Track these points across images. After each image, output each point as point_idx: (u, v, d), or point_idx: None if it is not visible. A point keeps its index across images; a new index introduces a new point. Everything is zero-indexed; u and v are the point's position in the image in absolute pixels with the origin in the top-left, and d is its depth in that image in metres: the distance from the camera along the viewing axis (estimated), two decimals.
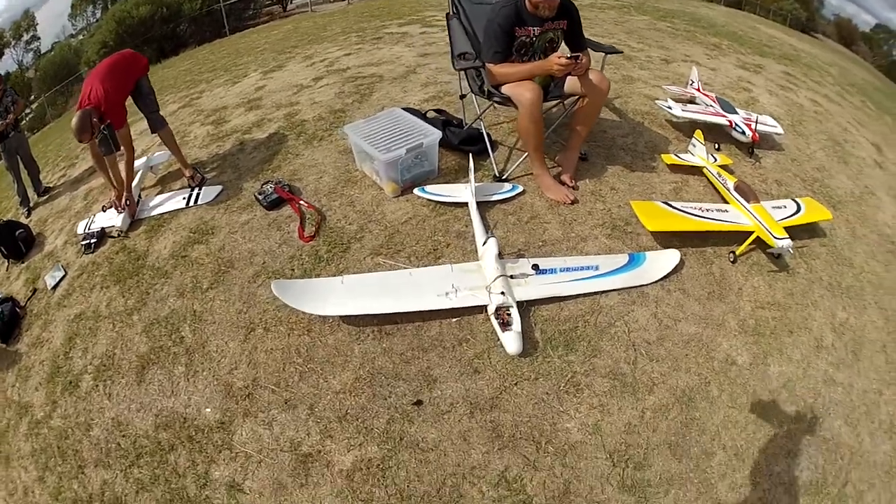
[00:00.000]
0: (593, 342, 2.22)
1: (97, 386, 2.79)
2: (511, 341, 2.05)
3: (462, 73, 3.26)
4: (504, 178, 3.11)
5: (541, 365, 2.17)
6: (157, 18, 16.25)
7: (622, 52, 3.97)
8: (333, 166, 3.68)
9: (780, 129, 3.96)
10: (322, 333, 2.48)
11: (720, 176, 3.09)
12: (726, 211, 2.75)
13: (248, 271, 2.97)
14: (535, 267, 2.33)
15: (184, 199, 3.79)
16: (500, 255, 2.36)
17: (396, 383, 2.24)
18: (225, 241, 3.27)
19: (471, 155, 3.04)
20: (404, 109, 3.65)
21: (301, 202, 3.31)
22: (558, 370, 2.16)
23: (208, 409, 2.43)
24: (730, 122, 3.78)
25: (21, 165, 5.53)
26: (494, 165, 3.17)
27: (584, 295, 2.32)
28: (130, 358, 2.82)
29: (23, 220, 5.26)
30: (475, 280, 2.28)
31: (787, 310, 2.49)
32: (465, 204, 2.82)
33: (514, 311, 2.13)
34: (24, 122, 6.05)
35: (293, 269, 2.89)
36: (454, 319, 2.33)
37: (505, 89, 2.81)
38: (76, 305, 3.38)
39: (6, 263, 4.50)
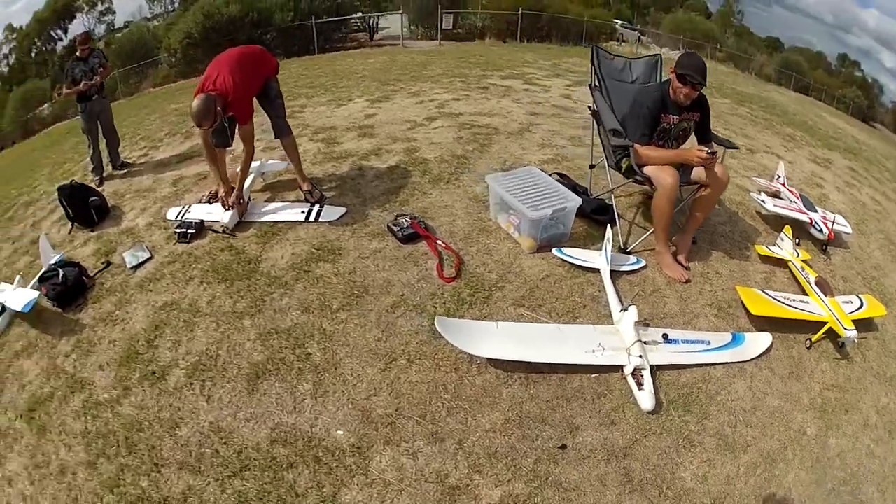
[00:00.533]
0: (704, 406, 2.57)
1: (191, 384, 2.73)
2: (646, 400, 2.37)
3: (599, 144, 3.62)
4: (628, 250, 3.34)
5: (664, 422, 2.49)
6: (246, 21, 16.47)
7: (738, 147, 4.26)
8: (465, 212, 3.76)
9: (849, 229, 4.28)
10: (469, 373, 2.60)
11: (803, 270, 3.46)
12: (807, 302, 3.14)
13: (386, 300, 3.02)
14: (665, 336, 2.63)
15: (302, 212, 3.81)
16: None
17: (543, 427, 2.43)
18: (355, 265, 3.32)
19: (609, 226, 3.21)
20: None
21: (438, 241, 3.36)
22: (677, 427, 2.48)
23: (340, 432, 2.44)
24: (810, 219, 4.10)
25: (100, 133, 5.46)
26: (620, 237, 3.41)
27: (698, 365, 2.68)
28: (240, 363, 2.78)
29: (94, 186, 5.15)
30: (615, 342, 2.56)
31: (845, 392, 2.88)
32: (598, 270, 3.05)
33: (647, 373, 2.44)
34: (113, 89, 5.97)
35: (435, 307, 2.95)
36: (594, 375, 2.58)
37: (648, 170, 3.04)
38: (165, 293, 3.34)
39: (71, 226, 4.44)
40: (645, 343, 2.53)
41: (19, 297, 3.38)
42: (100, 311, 3.32)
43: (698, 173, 3.15)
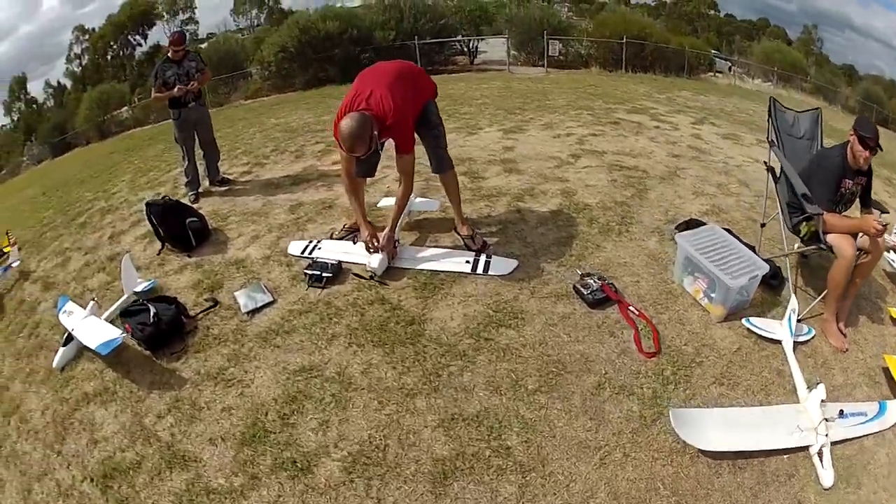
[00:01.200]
0: (859, 477, 2.34)
1: (352, 482, 2.19)
2: (828, 477, 2.25)
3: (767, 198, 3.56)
4: (799, 318, 3.02)
5: (840, 496, 2.25)
6: (345, 38, 15.84)
7: (888, 212, 3.73)
8: (646, 271, 3.34)
9: None
10: (683, 464, 2.27)
11: None
12: None
13: (588, 379, 2.59)
14: (841, 412, 2.49)
15: (467, 262, 3.27)
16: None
17: None
18: (545, 334, 2.82)
19: (794, 295, 3.01)
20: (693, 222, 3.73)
21: (631, 308, 2.98)
22: (850, 501, 2.25)
23: None
24: None
25: (197, 143, 4.94)
26: (793, 300, 3.04)
27: (858, 438, 2.47)
28: (419, 458, 2.26)
29: (188, 203, 4.73)
30: (805, 421, 2.43)
31: None
32: (779, 341, 2.83)
33: (827, 450, 2.32)
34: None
35: (642, 388, 2.56)
36: (786, 457, 2.35)
37: (830, 238, 2.93)
38: (300, 353, 2.82)
39: (161, 246, 3.97)
40: (826, 420, 2.41)
41: (95, 331, 2.92)
42: (207, 365, 2.83)
43: (863, 241, 3.03)
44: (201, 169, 5.08)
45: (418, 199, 4.00)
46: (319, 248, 3.60)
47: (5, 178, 20.56)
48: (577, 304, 3.02)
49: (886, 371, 2.78)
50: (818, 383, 2.53)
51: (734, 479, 2.25)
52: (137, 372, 2.87)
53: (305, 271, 3.31)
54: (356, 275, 3.27)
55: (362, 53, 15.16)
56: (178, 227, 3.91)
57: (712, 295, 2.94)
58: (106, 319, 3.17)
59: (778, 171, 3.37)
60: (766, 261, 3.17)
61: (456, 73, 14.61)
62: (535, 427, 2.35)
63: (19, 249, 4.97)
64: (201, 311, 3.17)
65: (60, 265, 4.55)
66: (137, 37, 25.28)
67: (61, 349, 3.06)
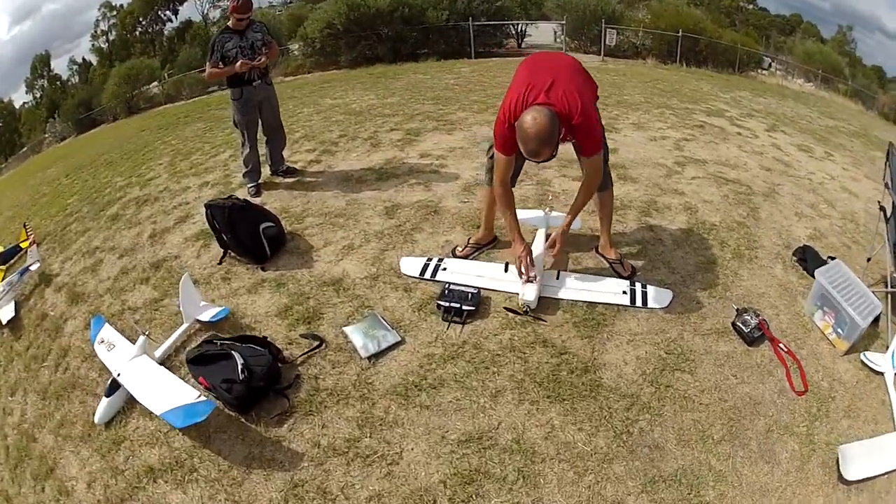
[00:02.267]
0: None
1: None
2: None
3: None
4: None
5: None
6: (396, 16, 15.31)
7: None
8: (781, 302, 3.31)
9: None
10: (839, 497, 2.29)
11: None
12: None
13: (759, 423, 2.53)
14: None
15: (625, 293, 3.06)
16: None
17: None
18: (716, 377, 2.72)
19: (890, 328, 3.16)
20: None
21: (781, 345, 2.96)
22: None
23: None
24: None
25: (261, 127, 4.41)
26: (890, 335, 3.17)
27: None
28: None
29: (248, 197, 4.22)
30: None
31: None
32: (882, 374, 2.96)
33: None
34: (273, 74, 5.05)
35: (798, 426, 2.56)
36: None
37: None
38: (458, 415, 2.41)
39: (223, 254, 3.44)
40: None
41: (159, 387, 2.30)
42: (328, 434, 2.34)
43: None
44: (263, 158, 4.65)
45: (555, 214, 3.66)
46: (444, 270, 3.20)
47: (26, 156, 19.98)
48: (736, 341, 2.96)
49: None
50: None
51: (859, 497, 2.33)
52: (222, 439, 2.33)
53: (439, 302, 2.91)
54: (508, 309, 2.92)
55: (411, 32, 14.93)
56: (250, 236, 3.35)
57: (839, 330, 3.05)
58: (163, 359, 2.58)
59: (889, 211, 3.61)
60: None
61: (506, 57, 14.27)
62: (726, 478, 2.29)
63: (38, 246, 4.35)
64: (302, 355, 2.64)
65: (90, 270, 3.99)
66: (168, 12, 24.74)
67: (104, 400, 2.46)
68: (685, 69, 14.94)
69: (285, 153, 4.86)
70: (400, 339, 2.76)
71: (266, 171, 4.69)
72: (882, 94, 23.08)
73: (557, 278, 3.14)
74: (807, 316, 3.27)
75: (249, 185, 4.50)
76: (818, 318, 3.21)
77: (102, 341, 2.75)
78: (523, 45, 17.69)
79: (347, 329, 2.80)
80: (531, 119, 2.34)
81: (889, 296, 3.42)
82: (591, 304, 3.02)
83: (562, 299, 3.03)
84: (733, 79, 14.83)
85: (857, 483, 2.33)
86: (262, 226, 3.43)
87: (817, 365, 2.96)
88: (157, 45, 23.62)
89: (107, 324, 2.91)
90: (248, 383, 2.29)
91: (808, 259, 3.68)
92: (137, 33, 24.45)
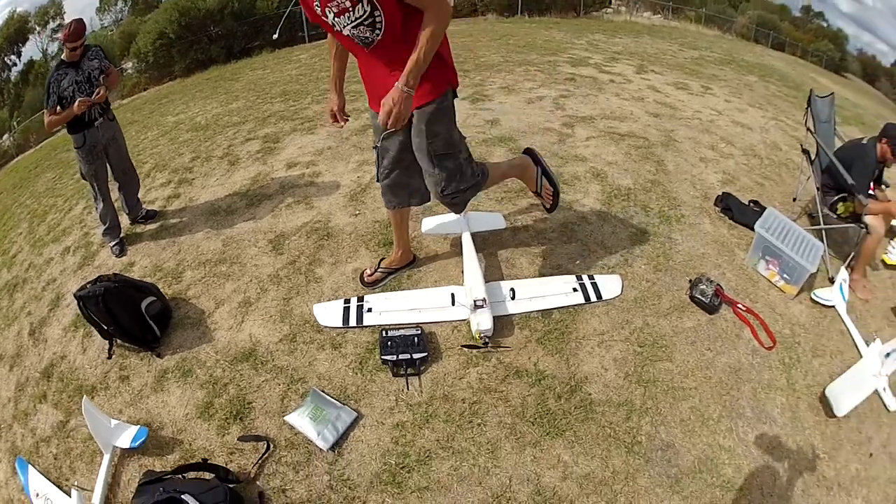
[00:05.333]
0: None
1: None
2: (893, 403, 2.96)
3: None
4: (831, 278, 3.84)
5: None
6: (226, 13, 16.26)
7: (890, 186, 4.67)
8: (722, 259, 3.71)
9: None
10: (828, 432, 2.80)
11: None
12: None
13: (745, 389, 2.84)
14: (887, 354, 3.05)
15: (575, 290, 3.17)
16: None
17: None
18: (693, 356, 2.95)
19: (843, 267, 3.80)
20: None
21: (740, 305, 3.31)
22: None
23: None
24: None
25: (110, 174, 4.11)
26: (829, 268, 3.85)
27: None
28: None
29: (113, 260, 4.06)
30: (872, 368, 3.04)
31: None
32: (833, 307, 3.51)
33: (887, 386, 2.96)
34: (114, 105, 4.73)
35: (778, 380, 2.95)
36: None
37: (868, 219, 3.76)
38: (465, 486, 2.37)
39: (109, 347, 3.23)
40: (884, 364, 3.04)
41: None
42: None
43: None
44: (118, 204, 4.27)
45: (473, 213, 3.63)
46: (370, 311, 3.06)
47: None
48: (698, 313, 3.21)
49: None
50: (875, 339, 3.22)
51: (847, 424, 2.82)
52: None
53: (384, 358, 2.75)
54: (468, 346, 2.85)
55: (242, 27, 15.53)
56: (133, 321, 3.09)
57: (785, 276, 3.48)
58: None
59: (812, 154, 4.26)
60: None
61: None
62: (736, 451, 2.57)
63: None
64: (254, 466, 2.44)
65: None
66: (13, 56, 24.15)
67: None
68: (529, 20, 15.93)
69: (140, 194, 4.51)
70: (356, 414, 2.60)
71: (125, 220, 4.36)
72: (738, 15, 26.34)
73: (498, 292, 3.11)
74: (750, 267, 3.64)
75: (112, 245, 4.15)
76: (762, 267, 3.62)
77: (38, 495, 2.62)
78: None
79: (291, 418, 2.59)
80: None
81: (824, 233, 3.94)
82: (546, 312, 3.06)
83: (512, 314, 3.03)
84: (581, 22, 16.13)
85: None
86: (144, 304, 3.15)
87: (774, 315, 3.32)
88: (4, 95, 23.39)
89: (31, 468, 2.77)
90: None
91: (732, 207, 4.10)
92: None
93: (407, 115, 2.26)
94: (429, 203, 3.65)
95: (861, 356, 3.20)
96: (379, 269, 3.31)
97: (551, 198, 3.12)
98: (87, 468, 2.69)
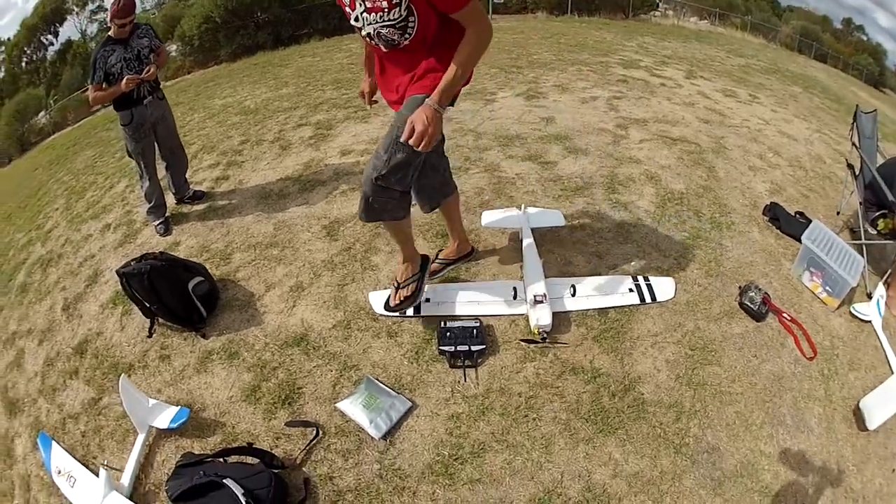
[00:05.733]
0: None
1: None
2: None
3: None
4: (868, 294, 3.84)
5: None
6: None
7: None
8: (768, 268, 3.76)
9: None
10: (859, 445, 2.81)
11: None
12: None
13: (787, 398, 2.90)
14: None
15: (631, 290, 3.25)
16: None
17: None
18: (740, 361, 3.02)
19: (881, 283, 3.76)
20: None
21: (785, 315, 3.37)
22: None
23: None
24: None
25: (157, 151, 4.14)
26: (867, 284, 3.82)
27: None
28: None
29: (156, 239, 4.05)
30: None
31: None
32: (870, 322, 3.51)
33: None
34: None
35: (818, 391, 2.99)
36: None
37: None
38: (517, 480, 2.40)
39: (151, 325, 3.21)
40: None
41: None
42: None
43: None
44: (164, 183, 4.32)
45: (532, 210, 3.69)
46: (427, 301, 3.05)
47: None
48: (746, 320, 3.28)
49: None
50: None
51: (876, 439, 2.86)
52: None
53: (441, 348, 2.76)
54: (526, 341, 2.89)
55: (290, 14, 15.77)
56: (179, 300, 3.07)
57: (828, 288, 3.55)
58: (132, 488, 2.39)
59: (857, 169, 4.29)
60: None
61: None
62: (775, 457, 2.62)
63: None
64: (301, 452, 2.42)
65: (15, 365, 3.63)
66: (49, 36, 25.08)
67: None
68: (578, 19, 16.05)
69: (188, 174, 4.59)
70: (410, 403, 2.61)
71: (170, 199, 4.42)
72: (783, 25, 25.95)
73: (555, 288, 3.17)
74: (795, 278, 3.71)
75: (157, 224, 4.21)
76: (806, 279, 3.69)
77: (60, 472, 2.54)
78: None
79: (343, 405, 2.60)
80: None
81: (864, 247, 3.97)
82: (603, 311, 3.13)
83: (569, 311, 3.13)
84: (630, 24, 16.14)
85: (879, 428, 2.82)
86: (191, 284, 3.14)
87: (816, 326, 3.37)
88: (41, 73, 24.19)
89: (55, 444, 2.70)
90: None
91: (780, 217, 4.15)
92: (23, 64, 24.94)
93: (438, 137, 2.18)
94: (487, 198, 3.80)
95: (893, 372, 3.25)
96: (437, 259, 3.32)
97: (401, 300, 2.88)
98: (119, 447, 2.68)
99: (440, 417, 2.61)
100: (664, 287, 3.32)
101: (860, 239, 4.05)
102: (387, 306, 2.95)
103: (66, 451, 2.68)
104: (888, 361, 3.33)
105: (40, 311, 3.91)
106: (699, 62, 9.93)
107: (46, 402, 3.16)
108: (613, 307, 3.16)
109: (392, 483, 2.38)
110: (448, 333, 2.82)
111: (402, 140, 2.08)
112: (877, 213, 4.05)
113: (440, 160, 2.83)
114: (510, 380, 2.77)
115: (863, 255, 3.81)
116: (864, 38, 30.05)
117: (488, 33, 2.12)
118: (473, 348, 2.75)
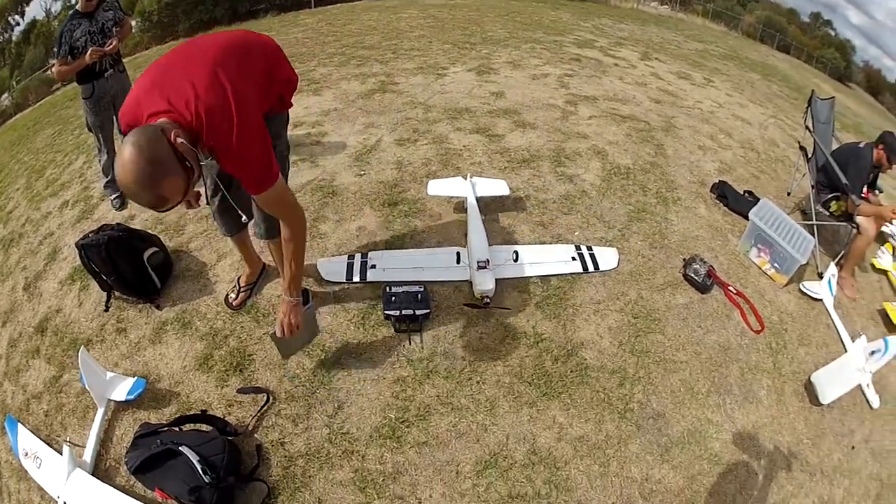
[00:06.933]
0: (885, 396, 3.18)
1: None
2: (876, 401, 3.10)
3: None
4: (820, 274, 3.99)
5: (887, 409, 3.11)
6: None
7: (883, 192, 4.87)
8: (715, 243, 3.81)
9: None
10: (812, 418, 2.92)
11: None
12: None
13: (733, 368, 2.97)
14: (872, 352, 3.12)
15: (574, 259, 3.27)
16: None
17: None
18: (684, 331, 3.07)
19: (832, 263, 3.90)
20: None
21: (730, 288, 3.42)
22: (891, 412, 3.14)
23: None
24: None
25: (117, 125, 3.98)
26: (818, 263, 3.99)
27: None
28: (670, 501, 2.39)
29: (113, 213, 3.97)
30: (857, 363, 3.10)
31: None
32: (821, 300, 3.63)
33: (871, 383, 3.09)
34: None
35: (766, 363, 3.07)
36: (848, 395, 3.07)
37: (860, 219, 3.95)
38: (463, 442, 2.42)
39: (107, 299, 3.13)
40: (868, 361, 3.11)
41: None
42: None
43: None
44: None
45: (477, 180, 3.66)
46: (373, 267, 3.07)
47: None
48: (690, 291, 3.33)
49: (882, 313, 3.84)
50: (861, 335, 3.29)
51: (831, 414, 2.97)
52: None
53: (386, 313, 2.78)
54: (469, 305, 2.89)
55: None
56: (134, 271, 3.03)
57: (776, 265, 3.63)
58: (94, 464, 2.35)
59: (809, 152, 4.43)
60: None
61: (351, 2, 13.74)
62: (723, 426, 2.70)
63: None
64: (253, 418, 2.42)
65: None
66: (16, 16, 24.03)
67: None
68: None
69: None
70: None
71: None
72: (746, 14, 26.44)
73: (499, 255, 3.16)
74: (742, 254, 3.78)
75: (113, 197, 4.10)
76: (753, 255, 3.76)
77: (27, 454, 2.49)
78: None
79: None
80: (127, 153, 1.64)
81: (815, 228, 4.10)
82: (545, 278, 3.15)
83: (513, 278, 3.11)
84: (589, 6, 16.17)
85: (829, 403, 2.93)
86: (146, 254, 3.09)
87: (763, 301, 3.45)
88: (6, 55, 23.12)
89: (20, 426, 2.66)
90: (217, 484, 2.05)
91: (728, 195, 4.23)
92: None
93: (300, 321, 2.33)
94: (434, 168, 3.78)
95: (846, 350, 3.32)
96: (242, 289, 3.05)
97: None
98: (80, 423, 2.65)
99: (386, 381, 2.62)
100: (607, 257, 3.35)
101: (811, 220, 4.17)
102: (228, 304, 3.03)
103: (32, 431, 2.65)
104: (840, 339, 3.43)
105: (3, 292, 3.77)
106: (655, 45, 10.08)
107: (11, 384, 3.05)
108: (556, 275, 3.17)
109: (341, 447, 2.39)
110: (393, 298, 2.83)
111: (277, 335, 2.32)
112: (829, 196, 4.19)
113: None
114: (454, 343, 2.79)
115: (813, 236, 3.91)
116: (832, 33, 30.97)
117: (303, 223, 2.18)
118: (418, 312, 2.77)
